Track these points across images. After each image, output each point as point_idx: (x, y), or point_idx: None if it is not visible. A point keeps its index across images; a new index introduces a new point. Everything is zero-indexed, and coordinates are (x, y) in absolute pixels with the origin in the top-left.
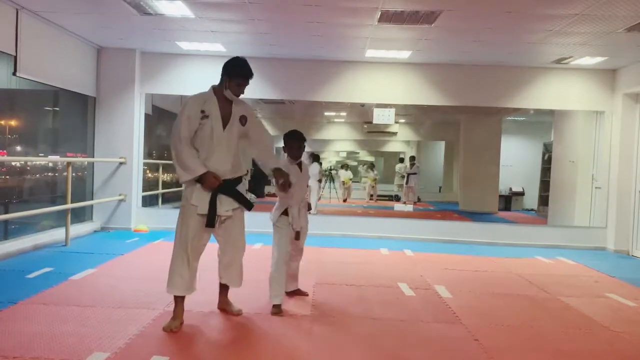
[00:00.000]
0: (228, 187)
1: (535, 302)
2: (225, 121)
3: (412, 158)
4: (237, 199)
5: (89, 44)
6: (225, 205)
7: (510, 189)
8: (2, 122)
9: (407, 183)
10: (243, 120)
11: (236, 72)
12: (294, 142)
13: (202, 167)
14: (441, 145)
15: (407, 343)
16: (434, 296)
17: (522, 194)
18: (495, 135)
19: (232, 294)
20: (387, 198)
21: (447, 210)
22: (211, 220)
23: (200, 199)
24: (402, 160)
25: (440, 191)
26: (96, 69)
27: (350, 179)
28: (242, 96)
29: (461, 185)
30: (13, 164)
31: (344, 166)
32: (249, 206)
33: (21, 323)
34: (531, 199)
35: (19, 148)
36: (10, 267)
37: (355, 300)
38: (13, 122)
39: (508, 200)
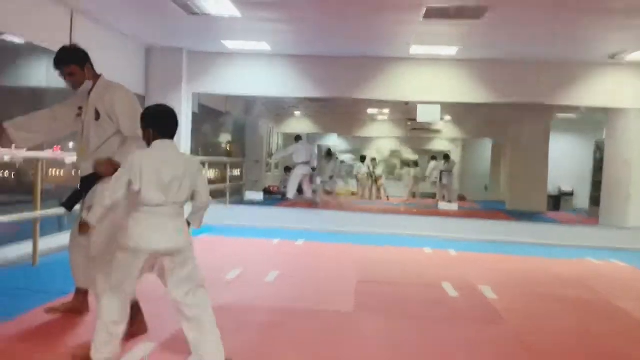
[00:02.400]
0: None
1: (584, 304)
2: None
3: (446, 156)
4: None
5: (137, 43)
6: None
7: (560, 188)
8: None
9: (440, 181)
10: (96, 115)
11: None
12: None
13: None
14: (488, 143)
15: (451, 344)
16: (478, 297)
17: (571, 194)
18: (544, 133)
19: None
20: (429, 196)
21: (493, 210)
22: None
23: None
24: (434, 158)
25: (486, 190)
26: (145, 68)
27: (371, 175)
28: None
29: (508, 184)
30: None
31: (362, 158)
32: (67, 206)
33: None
34: (581, 199)
35: (71, 145)
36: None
37: (398, 299)
38: None
39: (557, 200)
